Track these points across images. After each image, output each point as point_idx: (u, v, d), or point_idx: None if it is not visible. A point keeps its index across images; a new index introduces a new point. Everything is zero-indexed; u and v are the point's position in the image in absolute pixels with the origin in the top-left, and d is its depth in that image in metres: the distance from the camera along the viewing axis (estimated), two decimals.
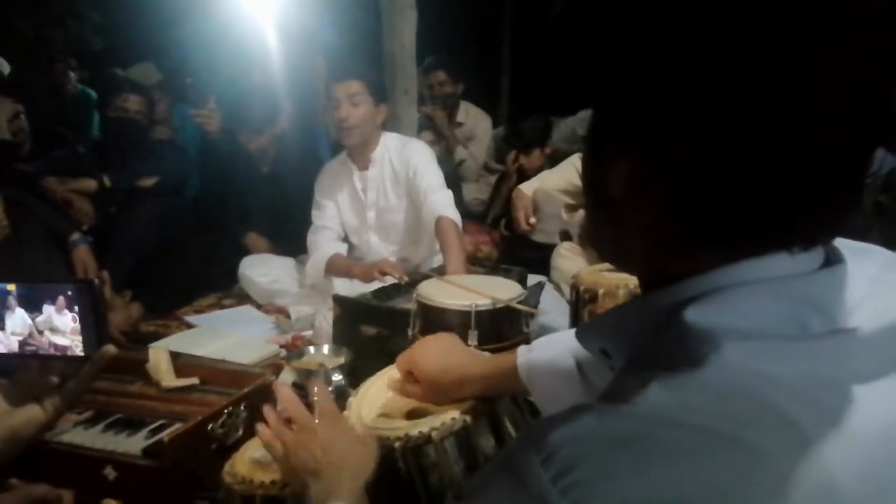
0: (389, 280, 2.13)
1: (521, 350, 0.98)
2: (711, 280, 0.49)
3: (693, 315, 0.47)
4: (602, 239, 0.59)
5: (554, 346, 0.94)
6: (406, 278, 2.09)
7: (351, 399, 1.12)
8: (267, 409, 0.94)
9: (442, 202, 2.33)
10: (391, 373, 1.17)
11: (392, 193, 2.55)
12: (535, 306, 1.75)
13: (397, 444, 0.95)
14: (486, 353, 1.10)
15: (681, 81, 0.46)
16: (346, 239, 2.67)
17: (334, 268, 2.48)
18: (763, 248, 0.48)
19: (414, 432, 0.96)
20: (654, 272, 0.54)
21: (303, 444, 0.88)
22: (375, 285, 2.14)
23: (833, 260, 0.51)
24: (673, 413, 0.43)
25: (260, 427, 0.92)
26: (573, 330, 0.94)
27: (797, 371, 0.44)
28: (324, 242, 2.57)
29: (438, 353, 1.06)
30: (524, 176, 3.32)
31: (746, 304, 0.47)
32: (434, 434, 0.95)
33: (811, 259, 0.50)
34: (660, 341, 0.49)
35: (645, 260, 0.56)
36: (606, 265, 1.96)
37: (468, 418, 0.98)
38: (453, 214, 2.29)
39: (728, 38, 0.44)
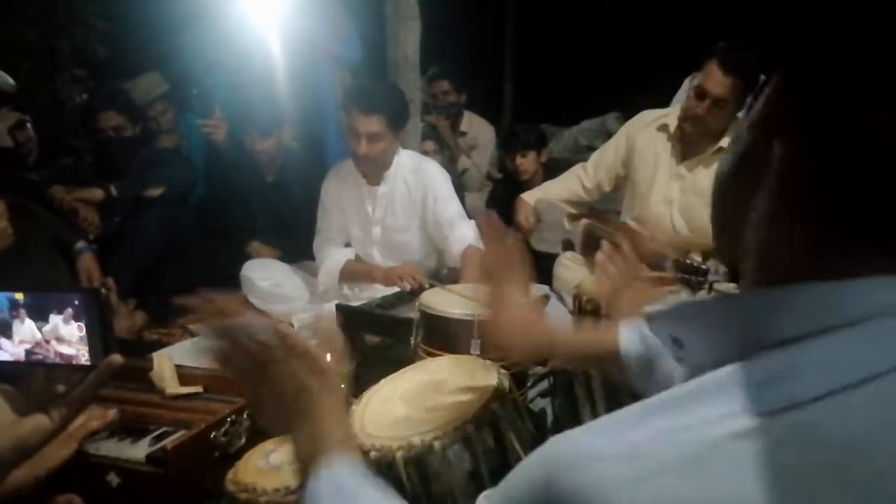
0: (406, 286, 2.20)
1: (624, 336, 0.95)
2: (854, 297, 0.40)
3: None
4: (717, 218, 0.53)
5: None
6: (427, 284, 2.15)
7: (354, 408, 1.13)
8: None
9: (470, 233, 2.40)
10: (395, 382, 1.18)
11: (401, 213, 2.52)
12: None
13: (399, 453, 0.96)
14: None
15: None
16: (348, 245, 2.68)
17: (351, 273, 2.51)
18: None
19: (416, 441, 0.96)
20: (772, 263, 0.46)
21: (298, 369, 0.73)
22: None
23: None
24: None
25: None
26: None
27: None
28: (333, 249, 2.59)
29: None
30: (518, 181, 3.34)
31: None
32: (436, 443, 0.96)
33: None
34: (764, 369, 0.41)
35: (762, 249, 0.47)
36: None
37: (470, 427, 0.99)
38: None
39: None
